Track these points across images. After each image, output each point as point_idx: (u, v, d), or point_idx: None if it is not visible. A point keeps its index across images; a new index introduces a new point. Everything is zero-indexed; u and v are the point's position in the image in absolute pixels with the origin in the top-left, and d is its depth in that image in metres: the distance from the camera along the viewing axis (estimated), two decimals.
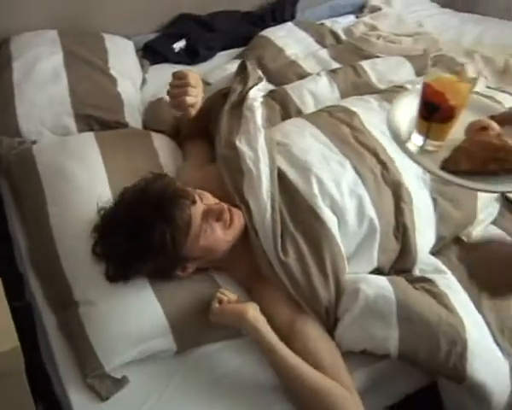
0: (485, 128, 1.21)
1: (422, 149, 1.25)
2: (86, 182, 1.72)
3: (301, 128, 1.84)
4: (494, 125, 1.22)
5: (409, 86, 2.09)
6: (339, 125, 1.82)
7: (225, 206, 1.60)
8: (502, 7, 3.23)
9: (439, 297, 1.59)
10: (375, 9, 3.13)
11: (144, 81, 2.42)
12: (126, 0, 2.61)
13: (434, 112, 1.20)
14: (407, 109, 1.29)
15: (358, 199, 1.65)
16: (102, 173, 1.73)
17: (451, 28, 3.00)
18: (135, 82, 2.34)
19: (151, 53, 2.63)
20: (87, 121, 2.05)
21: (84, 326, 1.47)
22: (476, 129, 1.22)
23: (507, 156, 1.18)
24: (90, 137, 1.89)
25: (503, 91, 2.31)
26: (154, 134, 1.94)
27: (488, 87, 2.37)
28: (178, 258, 1.53)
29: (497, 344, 1.57)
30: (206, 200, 1.59)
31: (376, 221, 1.64)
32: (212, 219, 1.56)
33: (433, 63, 1.25)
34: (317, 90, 2.16)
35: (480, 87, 2.28)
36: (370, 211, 1.64)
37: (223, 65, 2.50)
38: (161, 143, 1.92)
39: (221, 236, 1.57)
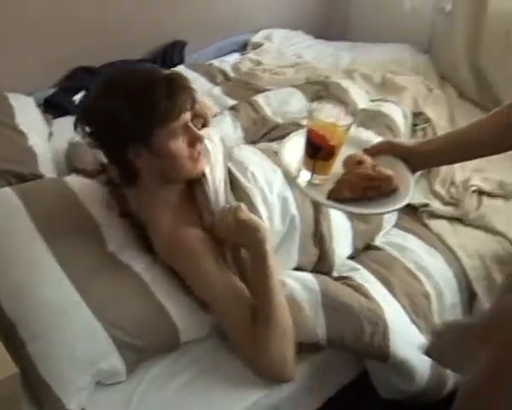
0: (361, 162, 1.41)
1: (310, 183, 1.42)
2: (14, 231, 1.72)
3: (241, 147, 2.03)
4: (368, 158, 1.43)
5: (304, 122, 2.30)
6: (269, 151, 2.00)
7: (203, 140, 1.67)
8: (368, 33, 3.49)
9: (357, 288, 1.74)
10: (258, 45, 3.27)
11: (50, 134, 2.47)
12: (23, 58, 2.63)
13: (318, 151, 1.39)
14: (294, 149, 1.47)
15: (284, 200, 1.79)
16: (28, 223, 1.73)
17: (328, 56, 3.21)
18: (42, 136, 2.39)
19: (52, 107, 2.66)
20: (5, 177, 2.08)
21: (35, 364, 1.47)
22: (354, 163, 1.42)
23: (381, 183, 1.39)
24: (8, 192, 1.88)
25: (387, 101, 2.53)
26: (68, 178, 1.96)
27: (372, 100, 2.59)
28: (150, 132, 1.56)
29: (415, 324, 1.73)
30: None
31: (298, 220, 1.78)
32: (187, 139, 1.62)
33: (315, 108, 1.42)
34: (222, 131, 2.26)
35: (364, 102, 2.53)
36: (293, 211, 1.78)
37: None
38: (78, 186, 1.91)
39: (186, 158, 1.63)
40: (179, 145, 1.61)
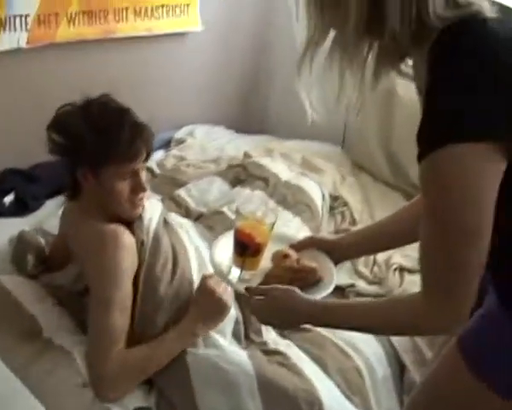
0: (286, 256, 1.50)
1: (241, 279, 1.49)
2: None
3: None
4: (292, 253, 1.52)
5: (225, 208, 2.41)
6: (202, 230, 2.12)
7: (147, 194, 1.79)
8: (286, 128, 3.66)
9: (292, 368, 1.77)
10: (181, 142, 3.33)
11: None
12: None
13: (246, 249, 1.47)
14: (224, 249, 1.55)
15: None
16: None
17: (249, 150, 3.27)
18: None
19: None
20: None
21: None
22: (280, 257, 1.51)
23: (307, 275, 1.48)
24: None
25: (306, 175, 2.68)
26: (1, 278, 1.93)
27: (292, 171, 2.73)
28: (102, 163, 1.67)
29: (349, 399, 1.79)
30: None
31: None
32: (131, 184, 1.73)
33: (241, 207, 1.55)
34: None
35: (286, 174, 2.68)
36: None
37: (55, 211, 2.49)
38: (12, 284, 1.90)
39: (125, 200, 1.73)
40: (123, 187, 1.71)
